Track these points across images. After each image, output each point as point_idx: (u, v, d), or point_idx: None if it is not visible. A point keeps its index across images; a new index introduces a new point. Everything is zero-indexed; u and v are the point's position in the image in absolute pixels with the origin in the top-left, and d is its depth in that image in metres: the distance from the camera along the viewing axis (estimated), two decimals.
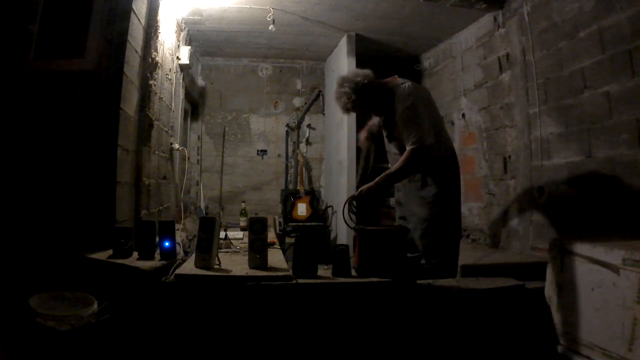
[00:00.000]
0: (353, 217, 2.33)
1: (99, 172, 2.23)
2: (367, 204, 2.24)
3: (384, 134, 2.43)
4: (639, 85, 2.32)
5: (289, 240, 4.19)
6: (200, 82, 5.08)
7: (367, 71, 2.25)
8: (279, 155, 5.22)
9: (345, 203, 2.27)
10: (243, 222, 3.58)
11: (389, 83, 2.27)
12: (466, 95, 4.06)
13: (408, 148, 2.14)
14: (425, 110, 2.19)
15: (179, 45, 3.67)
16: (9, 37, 2.26)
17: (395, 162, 2.28)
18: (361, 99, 2.21)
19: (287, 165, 5.17)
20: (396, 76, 2.32)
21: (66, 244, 2.05)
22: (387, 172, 2.22)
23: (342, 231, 4.30)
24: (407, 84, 2.23)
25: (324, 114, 5.24)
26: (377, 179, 2.20)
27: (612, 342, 1.59)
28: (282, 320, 1.77)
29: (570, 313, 1.81)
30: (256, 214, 3.04)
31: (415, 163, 2.15)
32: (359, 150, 2.59)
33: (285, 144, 5.19)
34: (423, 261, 2.26)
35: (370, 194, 2.19)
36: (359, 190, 2.23)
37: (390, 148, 2.41)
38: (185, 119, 4.61)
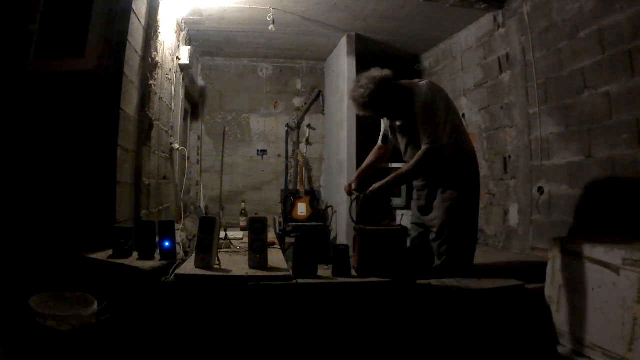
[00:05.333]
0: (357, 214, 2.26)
1: (99, 172, 2.23)
2: (376, 203, 2.18)
3: (400, 142, 2.35)
4: (639, 85, 2.32)
5: (289, 240, 4.19)
6: (200, 82, 5.08)
7: (385, 70, 2.18)
8: (279, 155, 5.22)
9: (354, 200, 2.21)
10: (243, 222, 3.59)
11: (405, 83, 2.22)
12: (466, 95, 4.05)
13: (423, 147, 2.09)
14: (443, 109, 2.14)
15: (179, 45, 3.67)
16: (9, 37, 2.26)
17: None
18: (380, 94, 2.11)
19: (287, 165, 5.17)
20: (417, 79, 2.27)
21: (66, 244, 2.05)
22: (399, 171, 2.16)
23: (342, 231, 4.30)
24: (427, 81, 2.19)
25: (324, 114, 5.24)
26: (389, 177, 2.14)
27: (612, 342, 1.59)
28: (282, 320, 1.77)
29: (570, 313, 1.81)
30: (256, 214, 3.04)
31: (429, 163, 2.10)
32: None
33: (285, 144, 5.19)
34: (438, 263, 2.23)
35: (381, 192, 2.14)
36: (371, 188, 2.15)
37: (408, 155, 2.32)
38: (185, 119, 4.61)
